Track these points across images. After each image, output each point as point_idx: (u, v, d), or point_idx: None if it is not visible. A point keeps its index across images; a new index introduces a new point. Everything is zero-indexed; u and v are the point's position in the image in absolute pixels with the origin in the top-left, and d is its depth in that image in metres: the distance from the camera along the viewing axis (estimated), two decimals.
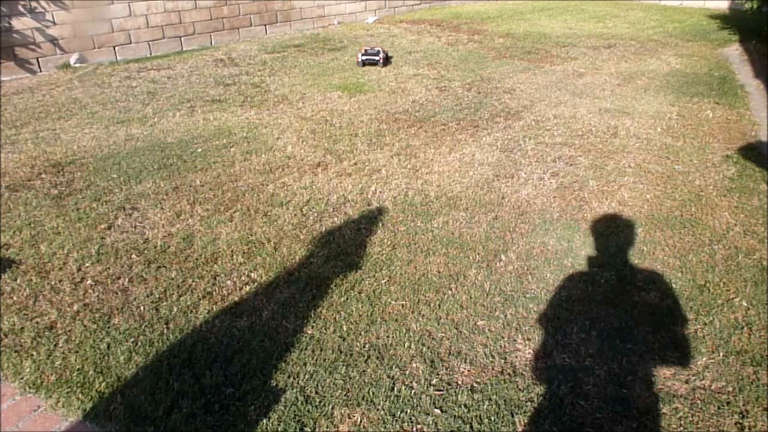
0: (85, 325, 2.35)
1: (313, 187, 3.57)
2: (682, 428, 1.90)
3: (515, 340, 2.28)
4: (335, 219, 3.19)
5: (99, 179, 3.65)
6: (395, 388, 2.04)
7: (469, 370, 2.13)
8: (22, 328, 2.33)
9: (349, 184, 3.60)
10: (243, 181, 3.63)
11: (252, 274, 2.69)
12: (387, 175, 3.73)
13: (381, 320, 2.39)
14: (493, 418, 1.93)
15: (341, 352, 2.21)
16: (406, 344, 2.26)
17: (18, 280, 2.64)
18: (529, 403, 1.99)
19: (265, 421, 1.91)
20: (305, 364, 2.16)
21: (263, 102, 5.26)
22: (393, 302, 2.50)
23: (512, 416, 1.93)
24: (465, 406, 1.97)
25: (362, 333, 2.32)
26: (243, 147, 4.18)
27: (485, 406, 1.97)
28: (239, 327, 2.34)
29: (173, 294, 2.55)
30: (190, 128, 4.57)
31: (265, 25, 8.24)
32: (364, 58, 6.52)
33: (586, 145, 4.20)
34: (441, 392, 2.03)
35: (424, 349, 2.24)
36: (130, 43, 6.93)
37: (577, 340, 2.27)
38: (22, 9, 5.91)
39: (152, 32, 7.08)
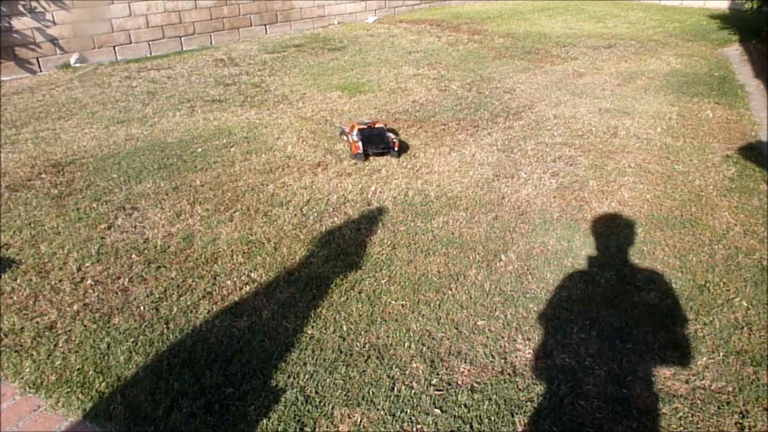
0: (85, 325, 2.35)
1: (313, 187, 3.57)
2: (682, 428, 1.90)
3: (515, 340, 2.28)
4: (335, 219, 3.19)
5: (99, 179, 3.65)
6: (395, 388, 2.04)
7: (469, 370, 2.13)
8: (22, 328, 2.33)
9: (349, 184, 3.60)
10: (243, 181, 3.63)
11: (252, 274, 2.69)
12: (387, 175, 3.73)
13: (381, 320, 2.39)
14: (493, 418, 1.93)
15: (341, 352, 2.21)
16: (406, 344, 2.26)
17: (18, 280, 2.64)
18: (529, 403, 1.99)
19: (265, 421, 1.91)
20: (305, 364, 2.16)
21: (263, 102, 5.26)
22: (393, 302, 2.50)
23: (512, 416, 1.93)
24: (465, 406, 1.97)
25: (362, 333, 2.32)
26: (243, 147, 4.18)
27: (485, 406, 1.97)
28: (239, 327, 2.33)
29: (173, 294, 2.55)
30: (190, 128, 4.57)
31: (265, 25, 8.24)
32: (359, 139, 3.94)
33: (586, 145, 4.20)
34: (441, 392, 2.03)
35: (424, 349, 2.24)
36: (130, 43, 6.93)
37: (577, 340, 2.27)
38: (22, 9, 5.91)
39: (152, 32, 7.08)
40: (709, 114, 4.84)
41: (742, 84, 5.76)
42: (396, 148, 3.95)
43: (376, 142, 3.95)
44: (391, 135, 4.05)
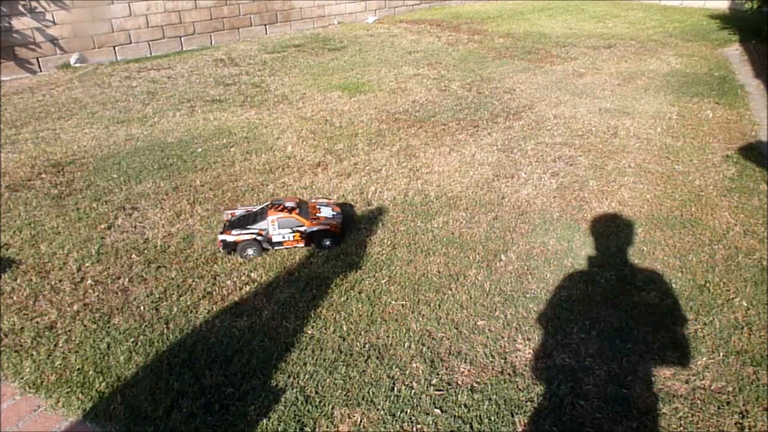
0: (85, 325, 2.34)
1: (313, 187, 3.57)
2: (682, 428, 1.90)
3: (515, 340, 2.28)
4: None
5: (99, 179, 3.65)
6: (395, 388, 2.04)
7: (469, 370, 2.13)
8: (22, 328, 2.33)
9: (349, 184, 3.60)
10: (243, 181, 3.63)
11: (252, 274, 2.69)
12: (387, 175, 3.73)
13: (381, 320, 2.39)
14: (493, 418, 1.92)
15: (341, 352, 2.21)
16: (406, 344, 2.25)
17: (18, 280, 2.64)
18: (529, 403, 1.98)
19: (265, 421, 1.90)
20: (305, 364, 2.15)
21: (263, 102, 5.25)
22: (393, 302, 2.50)
23: (512, 416, 1.93)
24: (465, 406, 1.97)
25: (362, 333, 2.31)
26: (243, 147, 4.18)
27: (485, 406, 1.97)
28: (239, 327, 2.33)
29: (173, 294, 2.55)
30: (190, 128, 4.57)
31: (265, 25, 8.24)
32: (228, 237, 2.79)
33: (586, 145, 4.20)
34: (441, 392, 2.03)
35: (424, 349, 2.24)
36: (130, 43, 6.92)
37: (577, 340, 2.27)
38: (22, 9, 5.91)
39: (152, 32, 7.08)
40: (709, 114, 4.84)
41: (742, 84, 5.76)
42: (249, 251, 2.76)
43: (241, 225, 2.85)
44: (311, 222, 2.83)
